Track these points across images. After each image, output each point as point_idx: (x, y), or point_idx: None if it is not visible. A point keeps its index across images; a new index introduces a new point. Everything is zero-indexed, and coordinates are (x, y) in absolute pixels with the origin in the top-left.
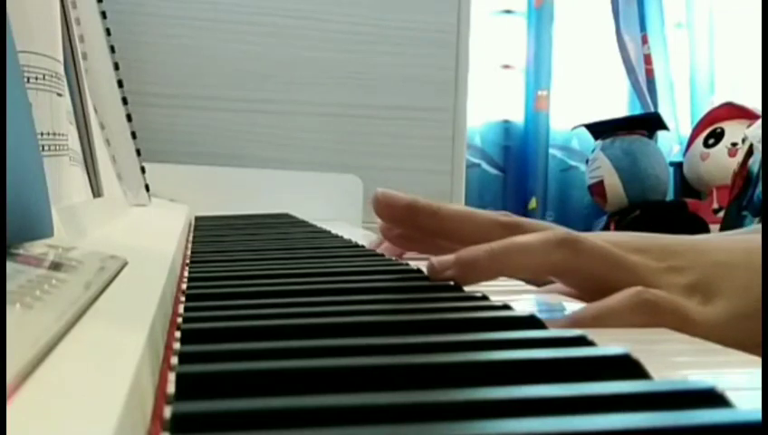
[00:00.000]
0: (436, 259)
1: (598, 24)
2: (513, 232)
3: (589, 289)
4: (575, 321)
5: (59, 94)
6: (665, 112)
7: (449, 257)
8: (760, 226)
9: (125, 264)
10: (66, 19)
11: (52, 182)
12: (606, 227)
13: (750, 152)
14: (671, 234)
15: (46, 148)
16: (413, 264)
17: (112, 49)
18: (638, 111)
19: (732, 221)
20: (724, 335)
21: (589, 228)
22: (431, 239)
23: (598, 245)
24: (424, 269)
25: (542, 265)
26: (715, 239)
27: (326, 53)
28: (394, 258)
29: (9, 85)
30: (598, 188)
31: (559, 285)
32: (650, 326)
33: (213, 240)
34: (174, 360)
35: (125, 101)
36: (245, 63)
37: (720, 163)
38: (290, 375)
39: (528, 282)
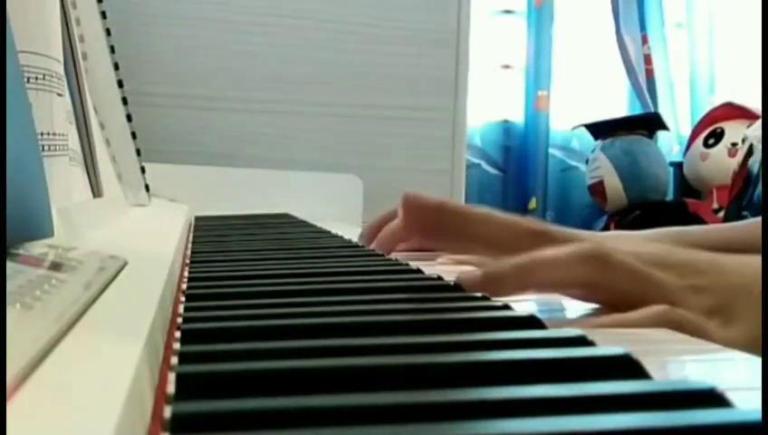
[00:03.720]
0: (463, 276)
1: (598, 24)
2: (540, 241)
3: (613, 303)
4: (598, 327)
5: (59, 94)
6: (665, 112)
7: (476, 273)
8: (756, 219)
9: (125, 264)
10: (66, 19)
11: (52, 182)
12: (606, 228)
13: (750, 152)
14: None
15: (46, 148)
16: (413, 264)
17: (112, 49)
18: (638, 111)
19: (732, 221)
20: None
21: (589, 228)
22: (456, 242)
23: (625, 261)
24: (424, 269)
25: (569, 280)
26: (733, 258)
27: (326, 52)
28: (394, 258)
29: (9, 85)
30: (598, 188)
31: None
32: None
33: (213, 240)
34: (174, 360)
35: (125, 101)
36: (245, 63)
37: (720, 163)
38: (290, 375)
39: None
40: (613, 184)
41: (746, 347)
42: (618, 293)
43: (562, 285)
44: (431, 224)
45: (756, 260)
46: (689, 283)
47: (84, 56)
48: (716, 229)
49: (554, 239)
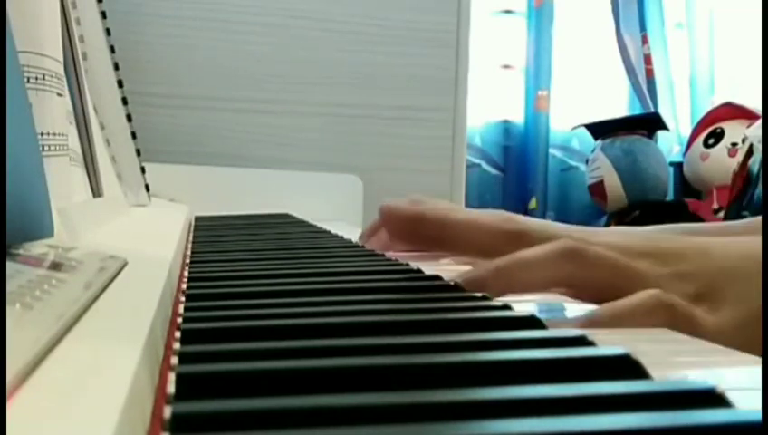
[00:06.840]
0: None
1: (598, 24)
2: (519, 243)
3: (597, 297)
4: (592, 323)
5: (59, 94)
6: (665, 112)
7: (455, 281)
8: (758, 217)
9: (125, 264)
10: (66, 19)
11: (52, 182)
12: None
13: (750, 152)
14: None
15: (46, 148)
16: (413, 264)
17: (112, 49)
18: (638, 111)
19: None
20: (730, 342)
21: None
22: (436, 249)
23: (604, 255)
24: (424, 269)
25: (549, 279)
26: (717, 243)
27: (326, 52)
28: (394, 258)
29: (9, 85)
30: (598, 188)
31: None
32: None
33: (213, 240)
34: (174, 360)
35: (125, 101)
36: (245, 63)
37: (720, 163)
38: (290, 375)
39: None
40: (613, 184)
41: (734, 332)
42: (600, 287)
43: (544, 285)
44: (410, 234)
45: (741, 242)
46: (673, 270)
47: (84, 56)
48: (724, 226)
49: (533, 240)
